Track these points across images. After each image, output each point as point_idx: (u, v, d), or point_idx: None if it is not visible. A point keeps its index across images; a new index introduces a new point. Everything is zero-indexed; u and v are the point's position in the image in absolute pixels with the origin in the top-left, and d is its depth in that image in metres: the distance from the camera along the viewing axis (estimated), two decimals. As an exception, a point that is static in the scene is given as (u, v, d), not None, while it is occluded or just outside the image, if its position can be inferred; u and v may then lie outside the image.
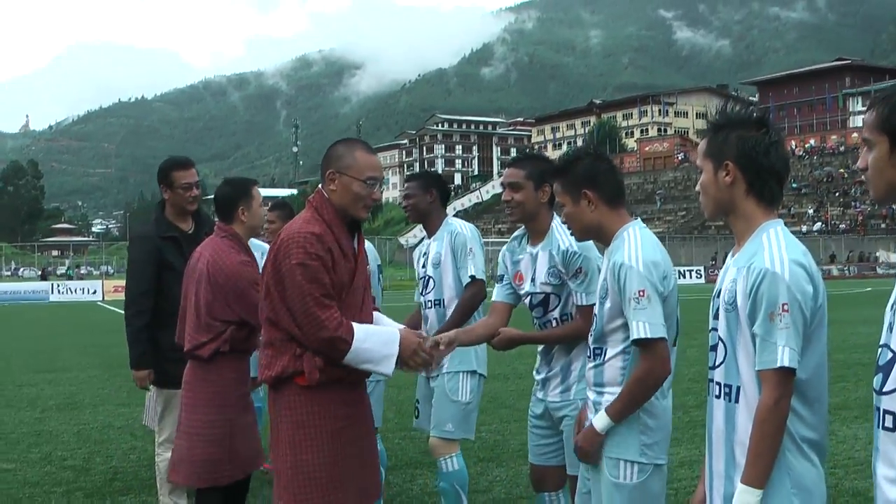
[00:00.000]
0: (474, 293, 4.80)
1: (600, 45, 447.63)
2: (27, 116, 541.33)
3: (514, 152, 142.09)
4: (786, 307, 2.39)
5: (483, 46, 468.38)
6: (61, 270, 71.68)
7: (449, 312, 4.84)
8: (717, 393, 2.56)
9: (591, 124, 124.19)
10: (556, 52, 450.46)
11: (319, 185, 3.50)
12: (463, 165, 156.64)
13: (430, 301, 4.97)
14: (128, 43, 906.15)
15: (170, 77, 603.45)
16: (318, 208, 3.41)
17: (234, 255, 4.45)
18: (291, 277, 3.23)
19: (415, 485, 6.49)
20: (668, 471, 6.16)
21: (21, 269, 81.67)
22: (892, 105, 2.01)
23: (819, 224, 68.12)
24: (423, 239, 5.28)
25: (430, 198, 5.05)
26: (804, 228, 67.85)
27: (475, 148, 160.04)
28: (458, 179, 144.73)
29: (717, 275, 3.40)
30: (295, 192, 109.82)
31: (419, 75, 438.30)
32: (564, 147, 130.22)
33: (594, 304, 3.38)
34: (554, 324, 4.04)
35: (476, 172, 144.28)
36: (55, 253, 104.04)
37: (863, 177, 2.14)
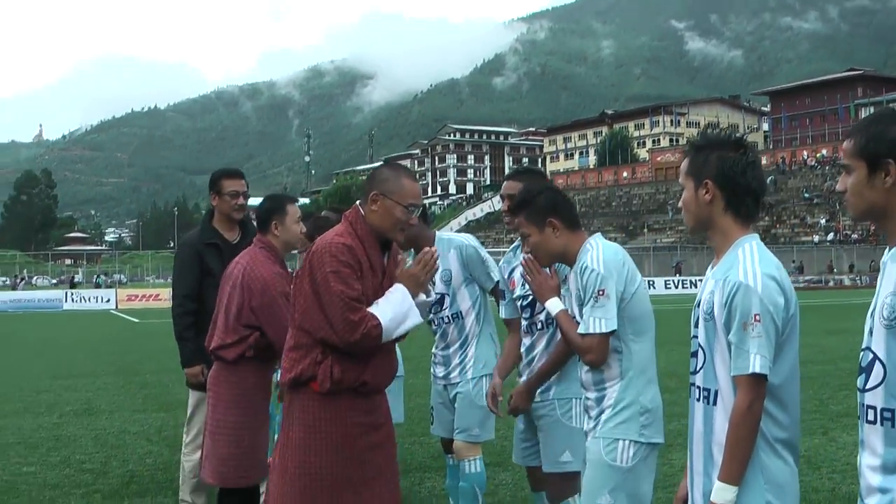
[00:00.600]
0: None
1: (612, 56, 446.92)
2: (41, 126, 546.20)
3: (526, 162, 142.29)
4: (758, 317, 2.55)
5: (495, 57, 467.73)
6: (78, 279, 71.90)
7: (468, 323, 4.87)
8: (697, 396, 2.74)
9: (603, 134, 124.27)
10: (568, 63, 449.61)
11: (358, 203, 3.62)
12: (475, 175, 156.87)
13: (448, 317, 4.89)
14: (141, 55, 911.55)
15: (182, 87, 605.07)
16: (353, 223, 3.54)
17: (270, 265, 4.59)
18: (326, 285, 3.37)
19: (423, 488, 6.62)
20: (670, 476, 6.32)
21: (35, 278, 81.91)
22: (869, 134, 2.26)
23: (831, 234, 67.97)
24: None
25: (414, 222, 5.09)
26: (816, 238, 67.71)
27: (487, 158, 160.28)
28: (469, 189, 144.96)
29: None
30: (307, 201, 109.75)
31: (431, 85, 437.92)
32: (576, 157, 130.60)
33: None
34: (540, 325, 4.24)
35: (488, 182, 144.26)
36: (68, 262, 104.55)
37: (843, 199, 2.39)
